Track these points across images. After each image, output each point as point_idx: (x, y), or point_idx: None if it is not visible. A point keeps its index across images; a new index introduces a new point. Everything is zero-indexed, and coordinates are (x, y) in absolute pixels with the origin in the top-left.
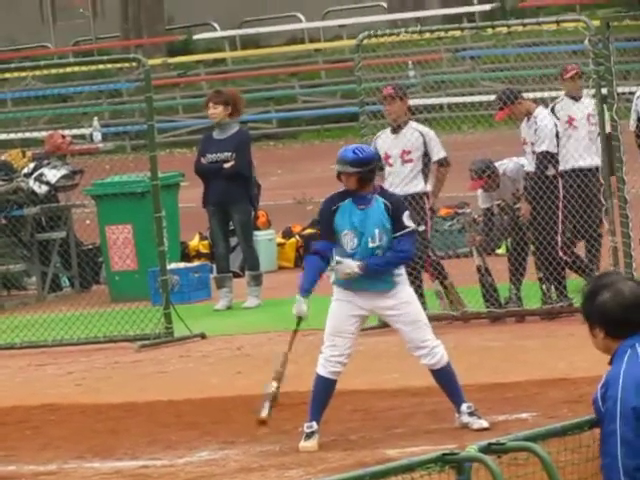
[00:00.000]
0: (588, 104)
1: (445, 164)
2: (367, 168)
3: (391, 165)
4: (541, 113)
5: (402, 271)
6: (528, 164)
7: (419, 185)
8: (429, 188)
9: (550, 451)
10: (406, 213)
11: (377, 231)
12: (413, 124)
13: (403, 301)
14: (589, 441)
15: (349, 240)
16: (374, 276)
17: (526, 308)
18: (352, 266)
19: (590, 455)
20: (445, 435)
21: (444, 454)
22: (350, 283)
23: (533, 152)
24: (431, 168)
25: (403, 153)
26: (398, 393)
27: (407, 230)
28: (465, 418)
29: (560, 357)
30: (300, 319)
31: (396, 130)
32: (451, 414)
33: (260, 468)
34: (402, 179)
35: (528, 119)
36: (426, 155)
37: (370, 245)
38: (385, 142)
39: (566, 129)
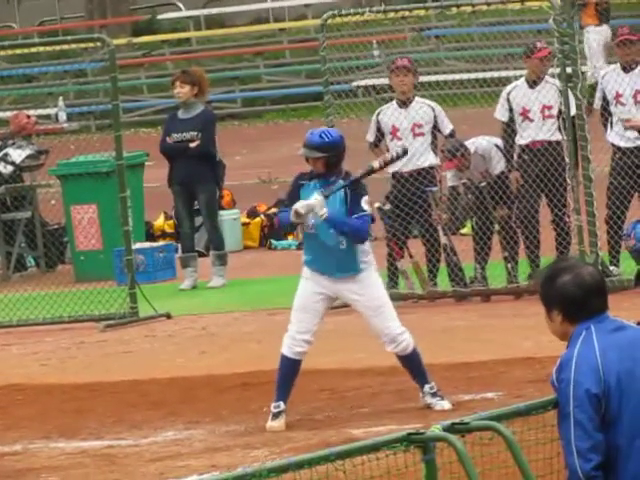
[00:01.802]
0: (547, 93)
1: (453, 136)
2: (333, 152)
3: (400, 139)
4: (477, 146)
5: (369, 258)
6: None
7: (430, 158)
8: (438, 161)
9: (515, 430)
10: (364, 198)
11: (312, 221)
12: (420, 99)
13: (366, 286)
14: (553, 420)
15: (309, 221)
16: (337, 260)
17: (491, 287)
18: (314, 203)
19: (555, 435)
20: (410, 415)
21: (409, 434)
22: (317, 265)
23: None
24: (439, 141)
25: (414, 127)
26: (364, 373)
27: (363, 213)
28: (428, 399)
29: (526, 336)
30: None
31: (405, 104)
32: (416, 394)
33: (225, 448)
34: (413, 153)
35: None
36: (435, 128)
37: (331, 230)
38: (394, 116)
39: (522, 120)
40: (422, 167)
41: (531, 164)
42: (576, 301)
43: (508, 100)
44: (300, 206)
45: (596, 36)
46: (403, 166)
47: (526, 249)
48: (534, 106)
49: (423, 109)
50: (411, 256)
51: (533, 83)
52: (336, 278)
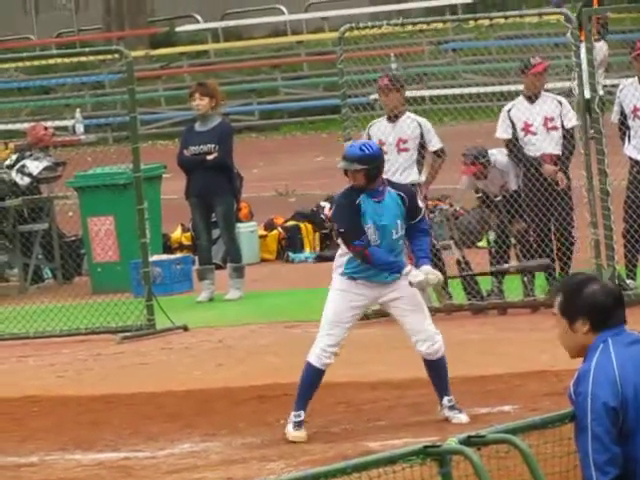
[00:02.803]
0: (547, 107)
1: (442, 155)
2: (374, 164)
3: (386, 153)
4: (495, 159)
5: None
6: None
7: (413, 175)
8: (423, 178)
9: (531, 444)
10: (418, 197)
11: (398, 222)
12: (410, 114)
13: (406, 286)
14: (570, 434)
15: (371, 234)
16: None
17: (508, 300)
18: (435, 274)
19: (571, 448)
20: (427, 427)
21: (426, 446)
22: (368, 273)
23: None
24: (427, 158)
25: (399, 142)
26: (380, 385)
27: (423, 212)
28: (446, 412)
29: (542, 349)
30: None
31: (392, 119)
32: (433, 406)
33: (242, 460)
34: (397, 168)
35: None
36: (421, 145)
37: (394, 237)
38: (381, 131)
39: (525, 135)
40: (404, 183)
41: (539, 178)
42: (606, 309)
43: (509, 117)
44: (425, 282)
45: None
46: None
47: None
48: (535, 120)
49: (412, 125)
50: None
51: (532, 98)
52: (386, 282)
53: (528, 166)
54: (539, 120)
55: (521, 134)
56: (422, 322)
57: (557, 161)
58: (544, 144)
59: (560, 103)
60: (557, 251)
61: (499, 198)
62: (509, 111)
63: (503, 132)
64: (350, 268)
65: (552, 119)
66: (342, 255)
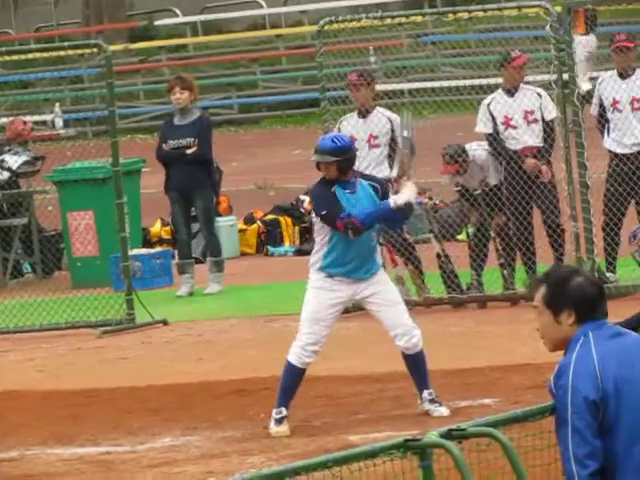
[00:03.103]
0: (527, 100)
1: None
2: (346, 156)
3: (357, 149)
4: (474, 154)
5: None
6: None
7: (384, 171)
8: (394, 174)
9: (512, 437)
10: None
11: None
12: (380, 109)
13: (385, 281)
14: (551, 427)
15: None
16: (369, 259)
17: (488, 294)
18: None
19: (552, 441)
20: (408, 421)
21: (406, 440)
22: (346, 270)
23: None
24: (397, 153)
25: (370, 137)
26: (361, 379)
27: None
28: (426, 405)
29: (523, 342)
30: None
31: (363, 114)
32: (414, 400)
33: (222, 454)
34: (369, 163)
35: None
36: (393, 141)
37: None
38: (352, 126)
39: (505, 129)
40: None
41: (520, 171)
42: (592, 301)
43: (489, 111)
44: (414, 197)
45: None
46: None
47: (522, 256)
48: (516, 113)
49: (382, 121)
50: (419, 262)
51: (511, 91)
52: (363, 279)
53: (509, 160)
54: (519, 113)
55: (502, 128)
56: (400, 316)
57: (537, 154)
58: (525, 137)
59: (540, 95)
60: (550, 242)
61: (478, 192)
62: (489, 105)
63: (483, 126)
64: (328, 261)
65: (532, 112)
66: (318, 251)
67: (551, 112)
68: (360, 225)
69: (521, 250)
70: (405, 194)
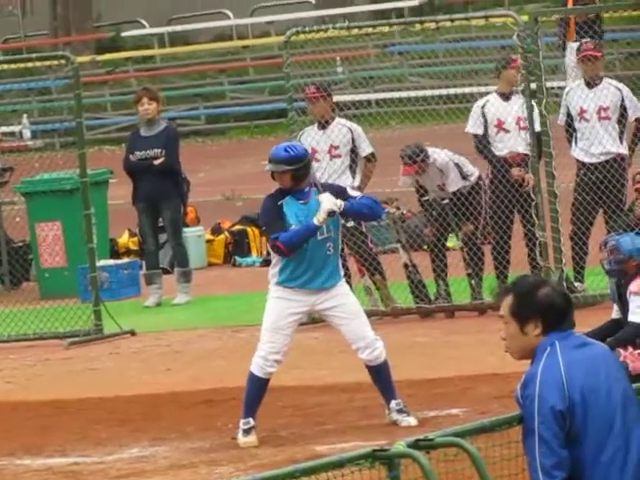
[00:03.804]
0: (519, 106)
1: (372, 159)
2: (300, 165)
3: (318, 160)
4: (436, 157)
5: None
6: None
7: (347, 180)
8: (356, 183)
9: (479, 447)
10: (348, 188)
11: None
12: (341, 120)
13: (346, 292)
14: (518, 437)
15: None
16: (325, 270)
17: (455, 303)
18: (335, 201)
19: (520, 451)
20: (376, 431)
21: (374, 450)
22: (303, 280)
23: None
24: (359, 163)
25: (331, 148)
26: (328, 389)
27: (361, 194)
28: (394, 415)
29: (491, 352)
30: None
31: (323, 126)
32: (381, 410)
33: (190, 465)
34: (330, 174)
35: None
36: (354, 151)
37: (319, 237)
38: (312, 137)
39: (497, 132)
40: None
41: (505, 177)
42: (560, 310)
43: (483, 113)
44: (331, 203)
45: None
46: None
47: (496, 265)
48: (509, 117)
49: (340, 131)
50: (381, 272)
51: (506, 96)
52: (322, 289)
53: (495, 164)
54: (512, 118)
55: (493, 130)
56: (361, 329)
57: (522, 162)
58: (514, 143)
59: (532, 105)
60: (528, 252)
61: (446, 201)
62: (483, 107)
63: (475, 127)
64: (283, 277)
65: (524, 119)
66: (274, 265)
67: (537, 124)
68: (285, 248)
69: (496, 257)
70: (322, 207)
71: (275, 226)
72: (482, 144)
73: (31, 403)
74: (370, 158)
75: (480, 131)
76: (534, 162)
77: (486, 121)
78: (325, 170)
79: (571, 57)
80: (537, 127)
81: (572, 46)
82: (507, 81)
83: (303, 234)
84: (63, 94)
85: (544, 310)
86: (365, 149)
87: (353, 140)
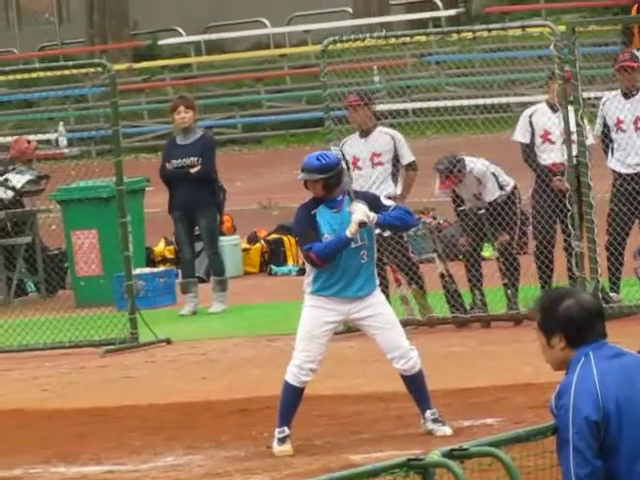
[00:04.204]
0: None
1: (413, 168)
2: (332, 173)
3: (360, 168)
4: (473, 167)
5: (376, 274)
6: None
7: (389, 188)
8: (398, 191)
9: (514, 456)
10: (382, 197)
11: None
12: (382, 128)
13: (382, 301)
14: (553, 446)
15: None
16: (359, 278)
17: (491, 313)
18: (367, 212)
19: (554, 461)
20: (411, 440)
21: (409, 459)
22: (337, 289)
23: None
24: (400, 171)
25: (373, 156)
26: (363, 398)
27: (394, 204)
28: (429, 425)
29: (526, 362)
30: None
31: (365, 134)
32: (417, 419)
33: (225, 473)
34: (373, 182)
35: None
36: (396, 158)
37: (353, 246)
38: (353, 146)
39: (542, 142)
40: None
41: (549, 186)
42: (580, 324)
43: (530, 122)
44: (363, 214)
45: None
46: None
47: (540, 275)
48: (556, 130)
49: (383, 139)
50: (422, 282)
51: (554, 107)
52: (357, 298)
53: (539, 174)
54: (559, 130)
55: (539, 140)
56: (396, 339)
57: (564, 172)
58: (558, 154)
59: (582, 118)
60: (567, 264)
61: (482, 211)
62: (530, 116)
63: (521, 136)
64: (317, 286)
65: (572, 132)
66: (308, 274)
67: (587, 138)
68: (317, 259)
69: (539, 267)
70: (353, 218)
71: (308, 236)
72: (526, 153)
73: (67, 411)
74: (411, 166)
75: (526, 140)
76: (570, 173)
77: (533, 130)
78: (369, 177)
79: None
80: (590, 139)
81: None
82: (554, 93)
83: (335, 246)
84: (99, 102)
85: (564, 324)
86: (407, 157)
87: (395, 148)
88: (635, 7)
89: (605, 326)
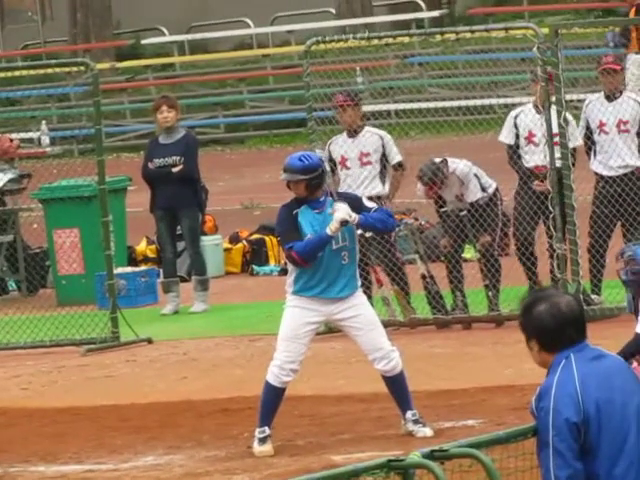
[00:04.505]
0: (554, 121)
1: (401, 168)
2: (314, 174)
3: (348, 168)
4: (456, 167)
5: (358, 275)
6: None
7: (377, 188)
8: (386, 191)
9: (494, 458)
10: (364, 199)
11: (339, 232)
12: (370, 128)
13: (361, 304)
14: (533, 448)
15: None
16: (341, 279)
17: (472, 315)
18: (349, 212)
19: (534, 463)
20: (391, 441)
21: (389, 460)
22: (318, 290)
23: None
24: (388, 171)
25: (362, 155)
26: (345, 399)
27: (376, 207)
28: (410, 426)
29: (507, 364)
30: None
31: (353, 134)
32: (397, 420)
33: (205, 473)
34: (361, 181)
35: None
36: (384, 158)
37: (334, 247)
38: (341, 146)
39: (527, 144)
40: (368, 196)
41: (531, 188)
42: (550, 331)
43: (515, 124)
44: (345, 213)
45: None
46: None
47: (528, 276)
48: (539, 131)
49: (371, 138)
50: (406, 283)
51: (539, 109)
52: (339, 299)
53: (523, 177)
54: (542, 131)
55: (523, 142)
56: (378, 341)
57: (546, 175)
58: (541, 156)
59: (566, 121)
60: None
61: (464, 212)
62: (516, 117)
63: (506, 137)
64: (298, 286)
65: (556, 135)
66: (290, 274)
67: (576, 139)
68: (298, 258)
69: (526, 267)
70: (335, 216)
71: (290, 236)
72: (509, 154)
73: (47, 410)
74: (398, 167)
75: (510, 141)
76: (552, 175)
77: (518, 132)
78: (357, 177)
79: (632, 69)
80: (570, 144)
81: (636, 57)
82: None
83: (316, 244)
84: (82, 101)
85: (536, 330)
86: (394, 157)
87: (384, 148)
88: (633, 10)
89: (583, 330)
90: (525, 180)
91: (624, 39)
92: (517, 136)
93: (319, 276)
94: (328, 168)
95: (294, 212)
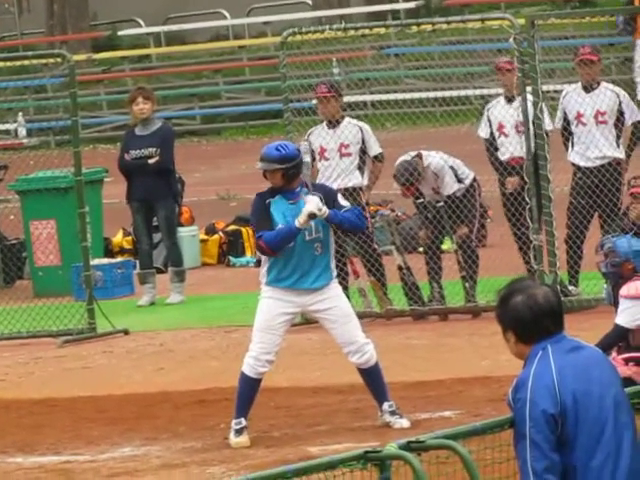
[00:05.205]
0: (516, 110)
1: (380, 160)
2: (291, 164)
3: (327, 159)
4: (431, 161)
5: (334, 266)
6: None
7: (355, 179)
8: (365, 182)
9: (471, 449)
10: (339, 195)
11: (312, 223)
12: (351, 120)
13: (338, 294)
14: (510, 440)
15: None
16: (314, 271)
17: (449, 306)
18: (320, 205)
19: (511, 454)
20: (368, 433)
21: (366, 452)
22: (292, 280)
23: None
24: (367, 163)
25: (341, 146)
26: (321, 390)
27: (349, 207)
28: (387, 417)
29: (484, 355)
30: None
31: (333, 125)
32: (374, 412)
33: (182, 464)
34: (340, 172)
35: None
36: (363, 150)
37: (307, 238)
38: (321, 136)
39: (499, 136)
40: (346, 187)
41: (502, 182)
42: (526, 323)
43: (488, 117)
44: (314, 206)
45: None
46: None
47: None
48: (509, 122)
49: (351, 130)
50: (382, 274)
51: (510, 99)
52: (312, 290)
53: (501, 170)
54: (511, 122)
55: (497, 134)
56: (352, 334)
57: (521, 168)
58: (517, 147)
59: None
60: (522, 256)
61: (441, 204)
62: (488, 110)
63: (482, 131)
64: (271, 277)
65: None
66: (264, 265)
67: (548, 125)
68: (266, 247)
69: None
70: (304, 208)
71: (261, 225)
72: (486, 148)
73: (23, 401)
74: (378, 158)
75: (485, 134)
76: (529, 166)
77: (490, 124)
78: (334, 169)
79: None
80: (547, 127)
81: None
82: (503, 84)
83: (285, 235)
84: (59, 92)
85: (512, 322)
86: (374, 149)
87: (363, 139)
88: None
89: (560, 322)
90: (501, 172)
91: (628, 26)
92: (490, 128)
93: (291, 267)
94: (310, 159)
95: (267, 201)
